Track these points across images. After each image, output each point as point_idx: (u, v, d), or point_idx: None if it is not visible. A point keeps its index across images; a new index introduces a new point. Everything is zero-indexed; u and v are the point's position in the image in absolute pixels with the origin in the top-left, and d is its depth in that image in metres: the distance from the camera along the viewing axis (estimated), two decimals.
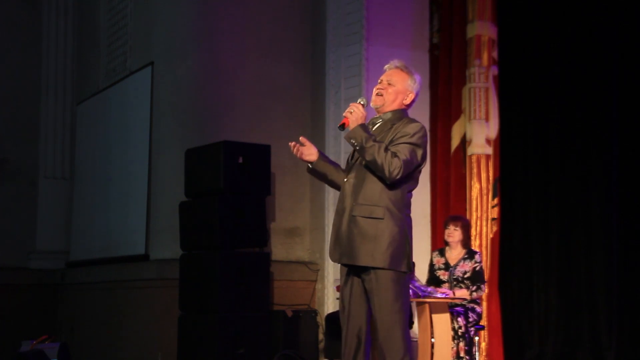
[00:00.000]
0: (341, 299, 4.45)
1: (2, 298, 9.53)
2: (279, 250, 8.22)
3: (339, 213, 4.40)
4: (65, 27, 10.30)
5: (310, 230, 8.39)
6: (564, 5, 7.41)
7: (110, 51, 9.57)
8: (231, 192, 7.14)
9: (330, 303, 7.96)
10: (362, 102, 4.37)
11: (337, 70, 8.10)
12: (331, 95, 8.12)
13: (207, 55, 8.11)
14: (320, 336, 7.89)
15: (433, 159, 7.92)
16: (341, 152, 7.95)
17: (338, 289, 6.25)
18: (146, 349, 7.93)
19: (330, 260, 8.00)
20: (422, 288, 6.04)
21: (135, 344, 8.18)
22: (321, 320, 7.90)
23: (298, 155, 4.56)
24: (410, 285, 5.96)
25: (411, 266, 4.32)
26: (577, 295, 7.25)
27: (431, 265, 6.71)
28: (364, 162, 4.29)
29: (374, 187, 4.28)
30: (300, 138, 4.57)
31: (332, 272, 7.99)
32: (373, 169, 4.24)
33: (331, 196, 8.04)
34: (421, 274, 6.74)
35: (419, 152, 4.27)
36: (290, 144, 4.53)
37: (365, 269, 4.28)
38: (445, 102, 7.83)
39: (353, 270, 4.37)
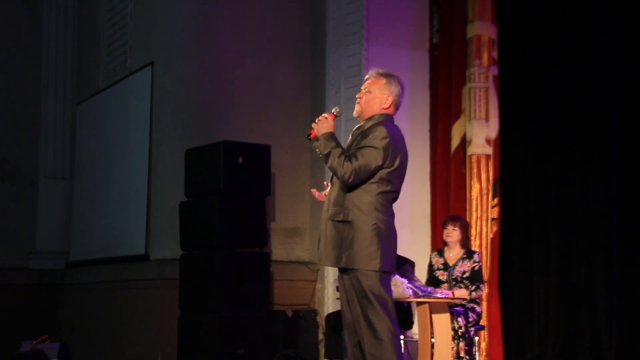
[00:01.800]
0: (341, 303, 4.66)
1: (2, 298, 9.53)
2: (279, 250, 8.22)
3: (323, 218, 4.62)
4: (65, 27, 10.30)
5: (310, 230, 8.39)
6: (564, 5, 7.41)
7: (110, 51, 9.57)
8: (231, 192, 7.14)
9: (330, 303, 7.96)
10: (335, 112, 4.60)
11: (337, 70, 8.10)
12: (331, 95, 8.12)
13: (207, 55, 8.11)
14: (320, 336, 7.89)
15: (433, 159, 7.92)
16: None
17: (338, 289, 6.27)
18: (146, 349, 7.93)
19: None
20: (422, 288, 6.03)
21: (135, 344, 8.18)
22: (321, 320, 7.90)
23: (320, 199, 4.81)
24: (410, 285, 5.96)
25: (384, 266, 4.45)
26: (577, 295, 7.25)
27: (430, 265, 6.71)
28: None
29: (343, 192, 4.50)
30: (325, 183, 4.82)
31: (332, 272, 7.99)
32: (334, 174, 4.50)
33: None
34: (421, 274, 6.74)
35: (379, 155, 4.41)
36: (312, 191, 4.92)
37: (343, 270, 4.53)
38: (445, 102, 7.83)
39: (341, 272, 4.60)
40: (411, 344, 7.06)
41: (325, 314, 7.77)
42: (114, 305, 8.69)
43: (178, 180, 7.56)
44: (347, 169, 4.37)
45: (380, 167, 4.44)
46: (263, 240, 7.36)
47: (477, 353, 6.40)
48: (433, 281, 6.60)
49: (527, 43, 7.69)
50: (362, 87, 4.66)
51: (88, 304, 9.30)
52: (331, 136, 4.50)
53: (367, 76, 4.70)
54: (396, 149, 4.48)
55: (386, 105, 4.60)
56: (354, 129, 4.70)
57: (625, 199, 7.04)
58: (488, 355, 7.22)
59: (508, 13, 7.67)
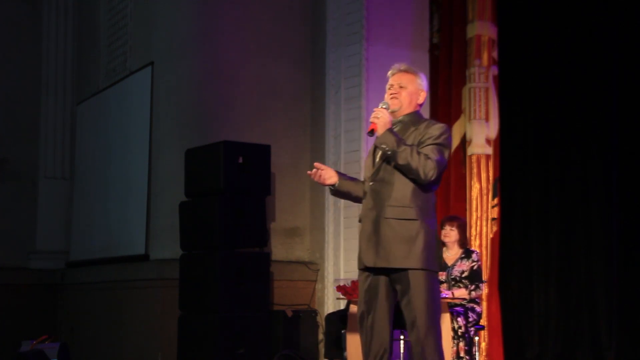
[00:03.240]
0: (362, 303, 4.43)
1: (2, 298, 9.52)
2: (279, 250, 8.22)
3: (369, 217, 4.39)
4: (65, 27, 10.30)
5: (310, 230, 8.39)
6: (564, 5, 7.41)
7: (110, 51, 9.57)
8: (231, 192, 7.14)
9: (330, 303, 7.96)
10: (384, 107, 4.39)
11: (337, 70, 8.10)
12: (331, 95, 8.12)
13: (207, 55, 8.11)
14: (320, 336, 7.89)
15: None
16: (341, 152, 7.95)
17: (338, 289, 6.26)
18: (146, 349, 7.93)
19: (330, 260, 8.06)
20: None
21: (135, 344, 8.18)
22: (321, 320, 7.90)
23: (320, 181, 4.52)
24: None
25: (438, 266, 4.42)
26: (577, 295, 7.25)
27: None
28: (393, 165, 4.31)
29: (404, 189, 4.31)
30: (316, 164, 4.54)
31: (332, 272, 7.99)
32: (406, 172, 4.28)
33: (331, 196, 8.03)
34: None
35: (446, 153, 4.35)
36: (309, 173, 4.51)
37: (397, 271, 4.29)
38: (445, 102, 7.83)
39: (378, 274, 4.36)
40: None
41: (325, 314, 7.77)
42: (114, 305, 8.68)
43: (178, 180, 7.56)
44: (430, 166, 4.22)
45: (446, 166, 4.41)
46: (263, 240, 7.36)
47: (477, 353, 6.40)
48: None
49: (527, 43, 7.69)
50: (394, 82, 4.48)
51: (88, 304, 9.29)
52: (395, 131, 4.33)
53: (392, 71, 4.52)
54: None
55: (421, 101, 4.52)
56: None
57: (625, 199, 7.04)
58: (488, 355, 7.22)
59: (508, 13, 7.67)
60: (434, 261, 4.31)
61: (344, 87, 8.00)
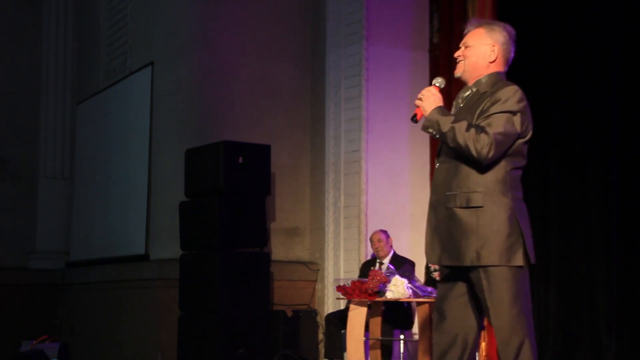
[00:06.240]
0: (438, 304, 3.96)
1: (2, 298, 9.53)
2: (279, 250, 8.22)
3: (433, 206, 3.80)
4: (65, 27, 10.30)
5: (310, 230, 8.39)
6: (564, 5, 7.41)
7: (110, 51, 9.58)
8: (231, 192, 7.14)
9: (330, 303, 7.96)
10: (437, 84, 3.84)
11: (337, 70, 8.10)
12: (331, 95, 8.12)
13: (207, 55, 8.11)
14: (320, 336, 7.89)
15: (433, 159, 7.91)
16: (341, 152, 7.95)
17: (338, 289, 6.25)
18: (146, 349, 7.93)
19: (330, 260, 8.06)
20: (422, 288, 6.04)
21: (135, 344, 8.18)
22: (321, 320, 7.90)
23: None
24: (410, 285, 5.96)
25: (528, 260, 3.68)
26: (577, 295, 7.24)
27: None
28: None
29: (467, 171, 3.68)
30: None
31: (332, 272, 7.99)
32: (460, 153, 3.65)
33: (331, 196, 8.04)
34: (421, 274, 6.74)
35: (517, 121, 3.64)
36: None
37: (471, 269, 3.68)
38: (445, 102, 7.81)
39: (453, 270, 3.78)
40: (411, 344, 7.06)
41: (325, 314, 7.77)
42: (114, 305, 8.68)
43: (178, 180, 7.56)
44: (484, 141, 3.54)
45: (520, 136, 3.70)
46: (263, 240, 7.37)
47: (477, 353, 6.39)
48: (430, 283, 6.58)
49: (527, 43, 7.67)
50: (461, 44, 3.79)
51: (88, 304, 9.29)
52: (444, 110, 3.68)
53: (465, 32, 3.82)
54: (530, 115, 3.71)
55: (492, 58, 3.73)
56: (459, 96, 3.89)
57: (625, 199, 7.03)
58: (488, 355, 7.21)
59: (508, 13, 7.65)
60: (512, 254, 3.62)
61: (344, 87, 8.00)
